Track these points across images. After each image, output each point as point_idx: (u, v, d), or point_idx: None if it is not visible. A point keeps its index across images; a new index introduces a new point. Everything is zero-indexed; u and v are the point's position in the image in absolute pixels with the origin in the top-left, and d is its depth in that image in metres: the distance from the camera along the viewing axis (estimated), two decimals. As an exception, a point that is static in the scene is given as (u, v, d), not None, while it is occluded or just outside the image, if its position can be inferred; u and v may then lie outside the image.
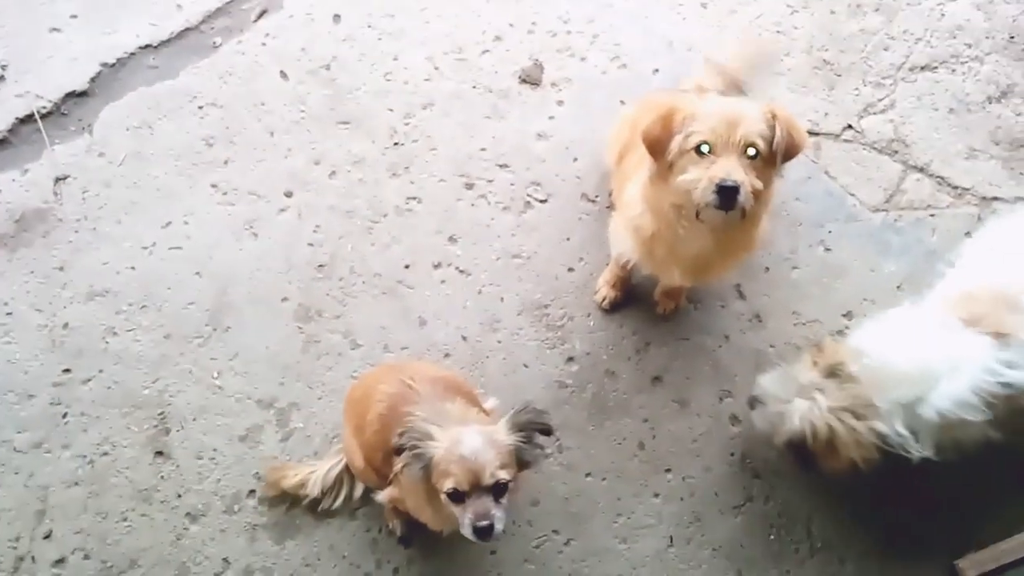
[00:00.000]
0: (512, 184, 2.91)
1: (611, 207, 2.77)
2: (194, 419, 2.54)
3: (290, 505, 2.44)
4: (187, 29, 3.07)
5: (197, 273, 2.72)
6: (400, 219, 2.85)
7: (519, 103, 3.04)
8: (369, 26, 3.13)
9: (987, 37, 3.23)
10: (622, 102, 2.99)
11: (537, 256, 2.81)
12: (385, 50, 3.09)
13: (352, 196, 2.87)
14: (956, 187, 2.98)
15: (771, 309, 2.77)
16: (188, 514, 2.44)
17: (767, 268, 2.82)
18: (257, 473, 2.47)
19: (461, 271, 2.78)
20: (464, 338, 2.69)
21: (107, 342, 2.61)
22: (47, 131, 2.87)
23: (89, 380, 2.57)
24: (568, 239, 2.84)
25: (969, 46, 3.21)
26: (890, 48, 3.20)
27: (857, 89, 3.12)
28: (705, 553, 2.47)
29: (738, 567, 2.46)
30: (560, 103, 3.04)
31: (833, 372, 2.14)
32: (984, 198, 2.96)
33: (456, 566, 2.42)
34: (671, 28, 3.19)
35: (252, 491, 2.47)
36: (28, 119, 2.88)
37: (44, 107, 2.90)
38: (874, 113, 3.09)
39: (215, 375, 2.59)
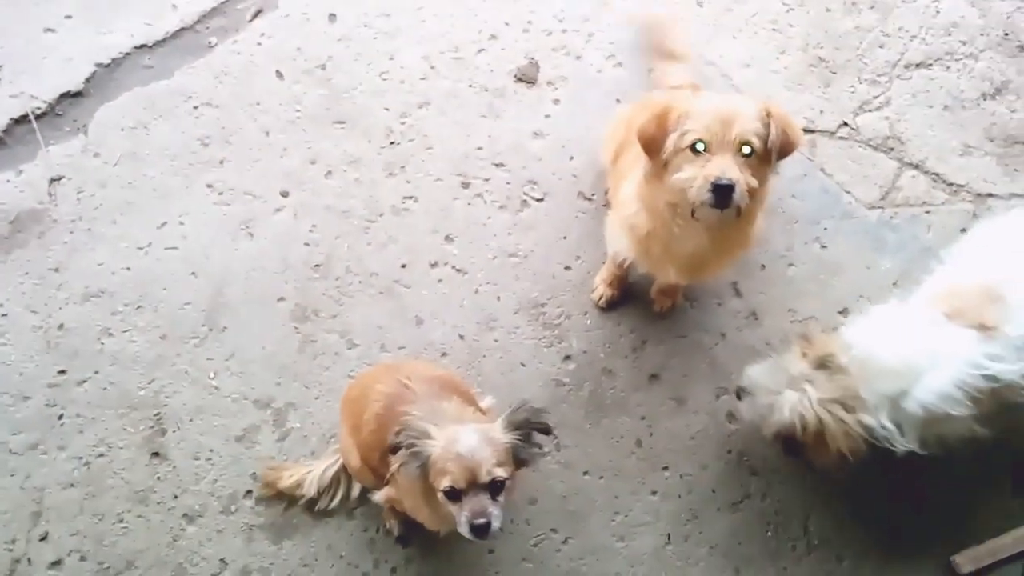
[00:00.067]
0: (508, 183, 2.91)
1: (607, 205, 2.77)
2: (190, 420, 2.53)
3: (287, 505, 2.44)
4: (182, 29, 3.06)
5: (193, 273, 2.72)
6: (396, 218, 2.84)
7: (515, 102, 3.03)
8: (365, 25, 3.13)
9: (981, 34, 3.24)
10: (618, 100, 3.00)
11: (534, 255, 2.81)
12: (381, 49, 3.09)
13: (348, 196, 2.86)
14: (951, 184, 2.98)
15: (767, 306, 2.77)
16: (185, 515, 2.43)
17: (763, 266, 2.82)
18: (254, 473, 2.47)
19: (458, 270, 2.78)
20: (461, 337, 2.68)
21: (103, 343, 2.61)
22: (42, 132, 2.86)
23: (85, 381, 2.56)
24: (565, 238, 2.84)
25: (964, 43, 3.22)
26: (885, 45, 3.21)
27: (852, 86, 3.13)
28: (702, 550, 2.47)
29: (735, 564, 2.46)
30: (556, 102, 3.04)
31: (823, 364, 2.14)
32: (979, 195, 2.96)
33: (454, 565, 2.42)
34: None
35: (249, 491, 2.46)
36: (23, 120, 2.87)
37: (39, 107, 2.89)
38: (869, 110, 3.09)
39: (211, 375, 2.59)
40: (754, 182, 1.99)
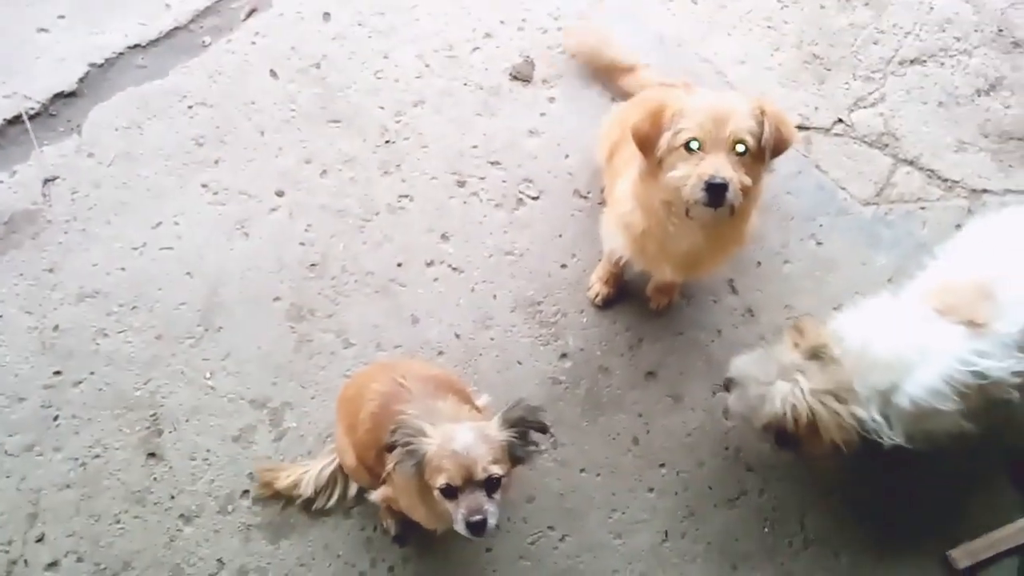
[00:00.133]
0: (504, 181, 2.91)
1: (603, 203, 2.77)
2: (187, 420, 2.53)
3: (284, 505, 2.44)
4: (176, 28, 3.06)
5: (188, 273, 2.71)
6: (392, 217, 2.84)
7: (510, 100, 3.03)
8: (359, 24, 3.12)
9: (976, 30, 3.24)
10: (613, 99, 3.00)
11: (530, 253, 2.81)
12: (375, 48, 3.08)
13: (343, 195, 2.86)
14: (946, 180, 2.99)
15: (763, 303, 2.77)
16: (182, 515, 2.43)
17: (759, 263, 2.83)
18: (251, 473, 2.46)
19: (454, 269, 2.78)
20: (457, 336, 2.68)
21: (98, 343, 2.60)
22: (35, 132, 2.86)
23: (80, 382, 2.55)
24: (560, 236, 2.84)
25: (958, 39, 3.23)
26: (879, 42, 3.21)
27: (847, 83, 3.13)
28: (699, 547, 2.48)
29: (732, 561, 2.47)
30: (551, 100, 3.04)
31: (816, 354, 2.12)
32: (974, 190, 2.97)
33: (451, 564, 2.42)
34: (661, 24, 3.19)
35: (246, 491, 2.46)
36: (16, 120, 2.86)
37: (32, 108, 2.89)
38: (864, 107, 3.10)
39: (207, 375, 2.58)
40: (748, 180, 1.99)
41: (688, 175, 1.99)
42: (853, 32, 3.22)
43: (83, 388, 2.55)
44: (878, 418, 2.09)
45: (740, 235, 2.26)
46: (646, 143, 2.07)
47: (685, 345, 2.71)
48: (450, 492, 1.77)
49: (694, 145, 1.99)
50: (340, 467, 2.38)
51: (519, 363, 2.66)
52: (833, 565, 2.48)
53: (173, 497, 2.45)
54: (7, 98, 2.89)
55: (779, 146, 2.05)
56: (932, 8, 3.27)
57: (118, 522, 2.42)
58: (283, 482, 2.38)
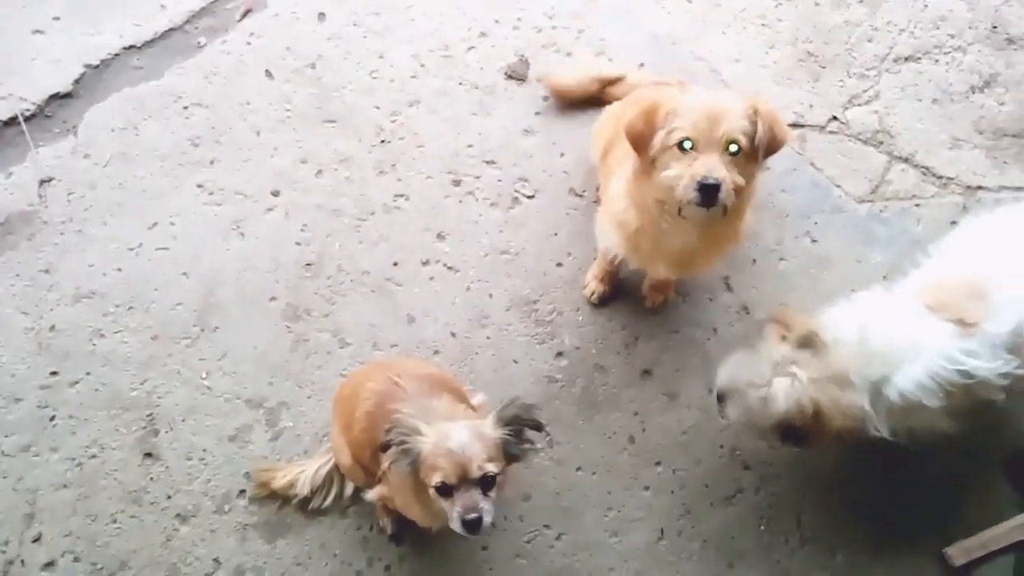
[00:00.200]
0: (499, 180, 2.91)
1: (598, 202, 2.78)
2: (183, 420, 2.53)
3: (281, 504, 2.44)
4: (171, 29, 3.06)
5: (184, 274, 2.72)
6: (388, 217, 2.84)
7: (505, 99, 3.04)
8: (354, 24, 3.13)
9: (970, 27, 3.25)
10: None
11: (525, 252, 2.81)
12: (371, 48, 3.09)
13: (339, 194, 2.86)
14: (940, 177, 2.99)
15: (759, 301, 2.78)
16: (178, 515, 2.43)
17: (754, 260, 2.83)
18: (247, 473, 2.47)
19: (449, 268, 2.78)
20: (453, 334, 2.69)
21: (94, 344, 2.61)
22: (31, 133, 2.86)
23: (76, 382, 2.56)
24: (556, 234, 2.84)
25: (952, 36, 3.23)
26: (874, 39, 3.21)
27: (842, 81, 3.14)
28: (695, 545, 2.48)
29: (728, 559, 2.47)
30: (546, 99, 3.04)
31: (807, 342, 2.08)
32: (968, 187, 2.97)
33: (448, 562, 2.43)
34: (656, 22, 3.19)
35: (242, 491, 2.46)
36: (12, 122, 2.87)
37: (28, 109, 2.89)
38: (859, 104, 3.10)
39: (203, 375, 2.59)
40: (740, 180, 1.99)
41: (681, 175, 1.99)
42: (847, 30, 3.23)
43: (79, 388, 2.55)
44: (868, 409, 2.08)
45: (734, 233, 2.26)
46: (640, 141, 2.07)
47: (681, 343, 2.72)
48: (445, 490, 1.77)
49: (687, 144, 1.99)
50: (336, 466, 2.38)
51: (515, 362, 2.66)
52: (829, 563, 2.48)
53: (170, 497, 2.45)
54: (3, 99, 2.90)
55: (772, 146, 2.05)
56: (926, 5, 3.28)
57: (115, 522, 2.42)
58: (279, 481, 2.38)
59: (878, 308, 2.18)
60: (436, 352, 2.66)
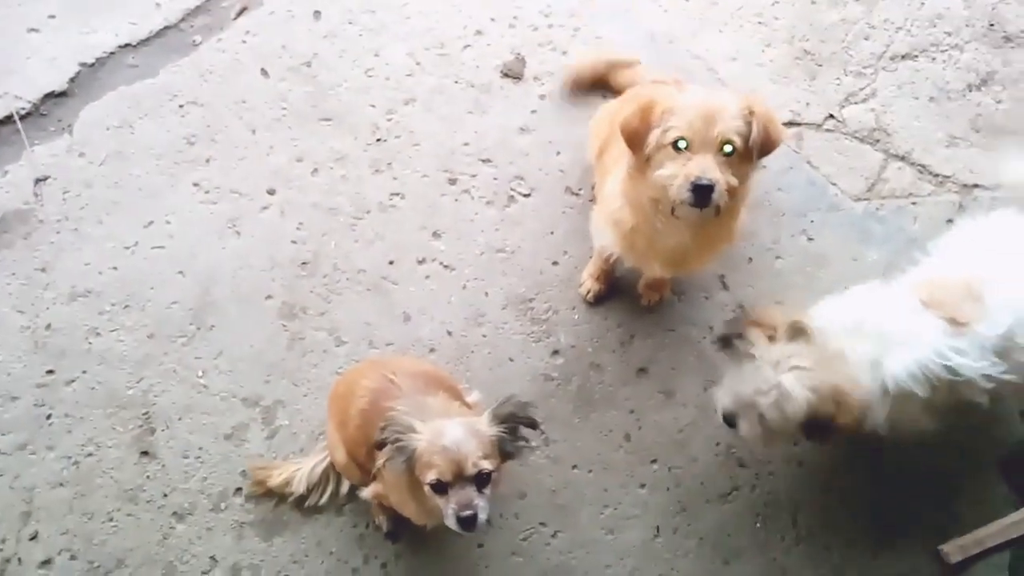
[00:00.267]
0: (495, 179, 2.91)
1: (594, 200, 2.78)
2: (179, 418, 2.53)
3: (277, 502, 2.44)
4: (166, 28, 3.06)
5: (180, 272, 2.72)
6: (383, 215, 2.84)
7: (501, 97, 3.03)
8: (349, 22, 3.12)
9: (967, 25, 3.25)
10: (604, 96, 3.00)
11: (521, 250, 2.81)
12: (366, 46, 3.09)
13: (335, 193, 2.86)
14: (937, 175, 2.99)
15: (755, 299, 2.77)
16: (174, 513, 2.44)
17: (750, 259, 2.83)
18: (243, 471, 2.47)
19: (445, 266, 2.78)
20: (449, 333, 2.69)
21: (90, 342, 2.61)
22: (26, 132, 2.86)
23: (73, 381, 2.56)
24: (552, 233, 2.84)
25: (949, 34, 3.23)
26: (871, 37, 3.21)
27: (838, 79, 3.14)
28: (691, 543, 2.48)
29: (724, 556, 2.47)
30: (542, 97, 3.04)
31: (797, 331, 2.06)
32: (965, 185, 2.98)
33: (444, 560, 2.43)
34: (653, 21, 3.19)
35: (238, 489, 2.46)
36: (7, 120, 2.87)
37: (23, 108, 2.89)
38: (855, 102, 3.10)
39: (200, 374, 2.59)
40: (734, 181, 1.99)
41: (675, 175, 1.99)
42: (844, 27, 3.23)
43: (76, 387, 2.55)
44: (869, 384, 2.07)
45: (729, 233, 2.26)
46: (635, 139, 2.07)
47: (677, 341, 2.72)
48: (440, 487, 1.77)
49: (682, 144, 1.99)
50: (332, 464, 2.38)
51: (511, 360, 2.66)
52: (825, 560, 2.48)
53: (166, 495, 2.45)
54: (-2, 98, 2.90)
55: (767, 146, 2.05)
56: (923, 3, 3.28)
57: (111, 520, 2.42)
58: (276, 480, 2.39)
59: (873, 299, 2.19)
60: (432, 350, 2.66)
